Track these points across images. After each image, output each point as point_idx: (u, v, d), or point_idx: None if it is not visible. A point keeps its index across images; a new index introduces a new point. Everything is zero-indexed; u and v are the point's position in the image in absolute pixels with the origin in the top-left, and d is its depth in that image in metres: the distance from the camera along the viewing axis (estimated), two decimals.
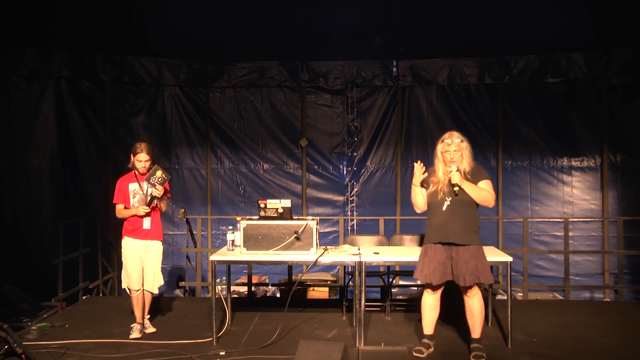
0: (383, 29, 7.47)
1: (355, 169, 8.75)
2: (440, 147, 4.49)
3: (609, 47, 7.97)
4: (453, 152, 4.40)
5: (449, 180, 4.38)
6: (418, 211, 4.65)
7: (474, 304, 4.44)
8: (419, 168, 4.52)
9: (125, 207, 5.20)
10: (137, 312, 5.16)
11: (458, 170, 4.37)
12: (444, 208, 4.38)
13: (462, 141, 4.44)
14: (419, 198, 4.56)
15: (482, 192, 4.38)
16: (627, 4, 6.49)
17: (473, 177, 4.44)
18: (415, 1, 6.77)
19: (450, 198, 4.36)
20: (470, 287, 4.38)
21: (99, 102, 8.15)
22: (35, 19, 6.56)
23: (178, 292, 7.93)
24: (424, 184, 4.55)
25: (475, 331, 4.51)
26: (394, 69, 8.51)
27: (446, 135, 4.50)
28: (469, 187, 4.36)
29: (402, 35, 7.67)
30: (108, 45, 7.86)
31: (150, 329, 5.25)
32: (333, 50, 8.09)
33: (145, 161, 5.13)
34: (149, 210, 5.08)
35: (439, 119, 8.53)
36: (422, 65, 8.48)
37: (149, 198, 5.10)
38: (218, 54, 8.36)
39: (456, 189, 4.32)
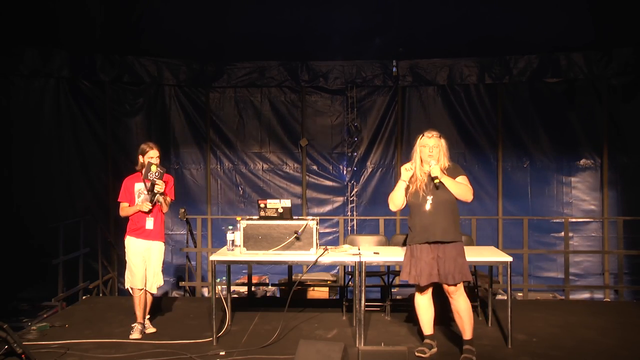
0: (383, 29, 7.49)
1: (355, 169, 8.75)
2: (419, 142, 4.45)
3: (609, 47, 7.97)
4: (432, 147, 4.37)
5: (429, 176, 4.34)
6: (395, 209, 4.56)
7: (460, 304, 4.37)
8: (407, 168, 4.44)
9: (129, 206, 5.19)
10: (139, 312, 5.15)
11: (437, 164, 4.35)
12: (427, 207, 4.33)
13: (440, 138, 4.43)
14: (402, 195, 4.46)
15: (461, 186, 4.35)
16: (627, 4, 6.50)
17: (450, 174, 4.40)
18: (415, 1, 6.79)
19: (432, 197, 4.33)
20: (455, 286, 4.32)
21: (99, 102, 8.15)
22: (35, 19, 6.56)
23: (177, 292, 7.93)
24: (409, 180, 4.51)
25: (466, 333, 4.42)
26: (394, 69, 8.51)
27: (425, 132, 4.49)
28: (448, 181, 4.32)
29: (402, 35, 7.69)
30: (108, 45, 7.86)
31: (151, 329, 5.24)
32: (333, 50, 8.10)
33: (157, 157, 5.13)
34: (151, 206, 5.07)
35: (438, 119, 8.51)
36: (422, 65, 8.48)
37: (150, 195, 5.08)
38: (218, 54, 8.36)
39: (437, 181, 4.27)
